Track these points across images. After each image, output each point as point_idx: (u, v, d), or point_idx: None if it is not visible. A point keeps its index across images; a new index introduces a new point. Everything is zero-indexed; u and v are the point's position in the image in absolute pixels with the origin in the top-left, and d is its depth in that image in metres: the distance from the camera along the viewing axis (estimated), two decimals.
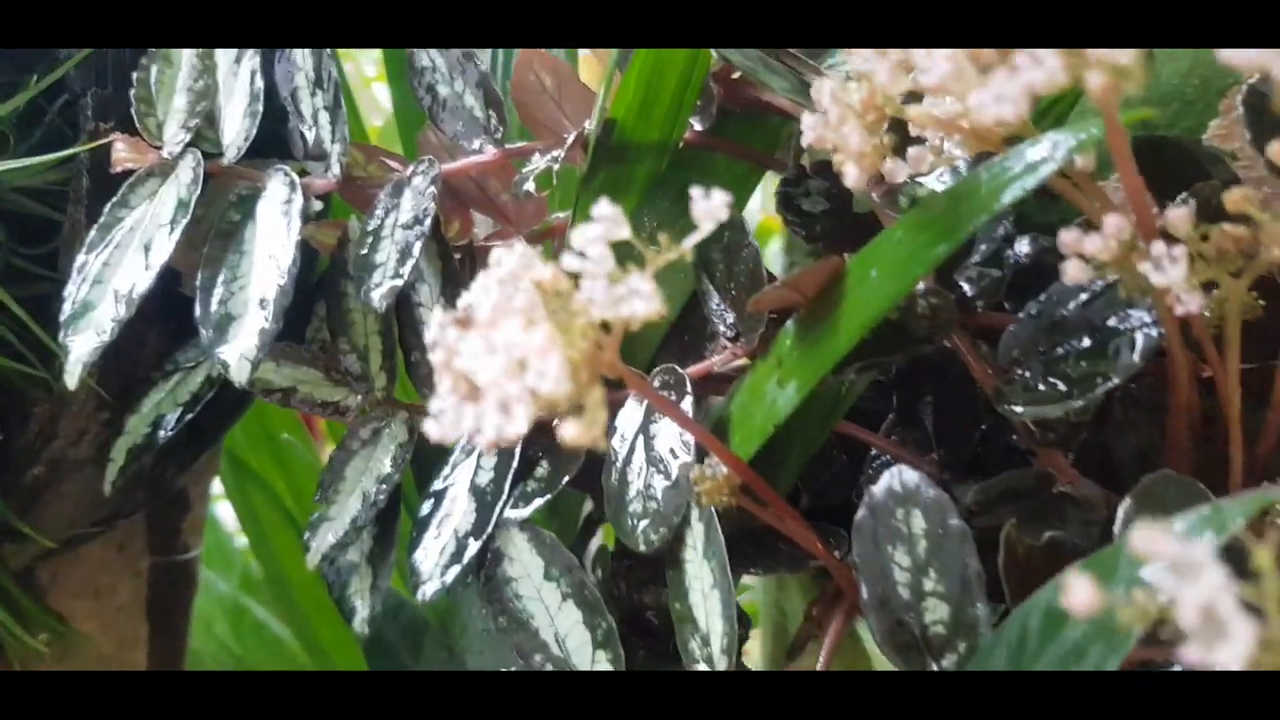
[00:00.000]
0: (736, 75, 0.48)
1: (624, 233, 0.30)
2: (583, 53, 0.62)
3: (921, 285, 0.39)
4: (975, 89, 0.25)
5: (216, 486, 0.69)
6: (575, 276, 0.29)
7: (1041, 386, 0.37)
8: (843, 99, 0.33)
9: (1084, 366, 0.36)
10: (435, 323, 0.31)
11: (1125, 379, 0.35)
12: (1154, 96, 0.43)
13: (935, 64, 0.25)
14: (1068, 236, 0.32)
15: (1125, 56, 0.23)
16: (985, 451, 0.45)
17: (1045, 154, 0.31)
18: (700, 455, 0.43)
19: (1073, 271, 0.31)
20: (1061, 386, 0.37)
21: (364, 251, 0.45)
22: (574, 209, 0.47)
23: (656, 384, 0.44)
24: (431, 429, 0.28)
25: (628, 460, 0.43)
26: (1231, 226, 0.30)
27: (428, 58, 0.47)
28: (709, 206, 0.29)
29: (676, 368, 0.44)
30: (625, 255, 0.31)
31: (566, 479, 0.45)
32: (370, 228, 0.45)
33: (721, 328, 0.44)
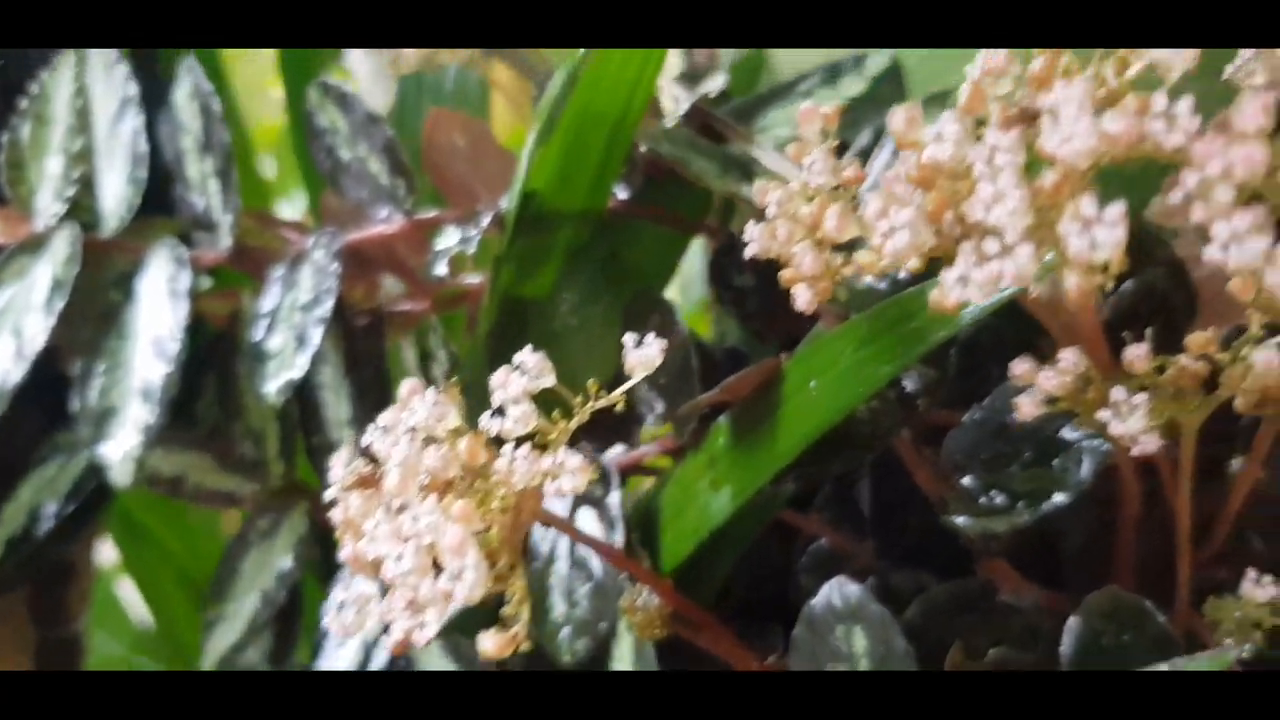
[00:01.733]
0: None
1: (549, 382, 0.27)
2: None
3: None
4: (929, 256, 0.23)
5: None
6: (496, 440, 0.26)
7: (984, 500, 0.35)
8: (790, 211, 0.30)
9: (1030, 479, 0.35)
10: (336, 471, 0.28)
11: (1074, 497, 0.34)
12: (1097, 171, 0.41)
13: (893, 238, 0.23)
14: (1020, 368, 0.30)
15: (1103, 252, 0.21)
16: (923, 535, 0.43)
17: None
18: (629, 550, 0.40)
19: (1026, 408, 0.29)
20: (1007, 500, 0.35)
21: (258, 337, 0.41)
22: (491, 282, 0.44)
23: None
24: (333, 624, 0.25)
25: (549, 560, 0.41)
26: (1190, 362, 0.29)
27: (328, 119, 0.43)
28: (642, 355, 0.27)
29: (601, 458, 0.42)
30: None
31: None
32: (265, 308, 0.42)
33: (650, 418, 0.42)
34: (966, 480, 0.36)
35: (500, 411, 0.26)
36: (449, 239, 0.42)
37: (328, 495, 0.27)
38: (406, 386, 0.29)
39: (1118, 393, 0.28)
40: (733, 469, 0.37)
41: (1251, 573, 0.33)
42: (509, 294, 0.45)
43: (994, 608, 0.37)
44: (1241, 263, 0.20)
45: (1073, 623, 0.34)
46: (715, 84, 0.43)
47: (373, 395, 0.44)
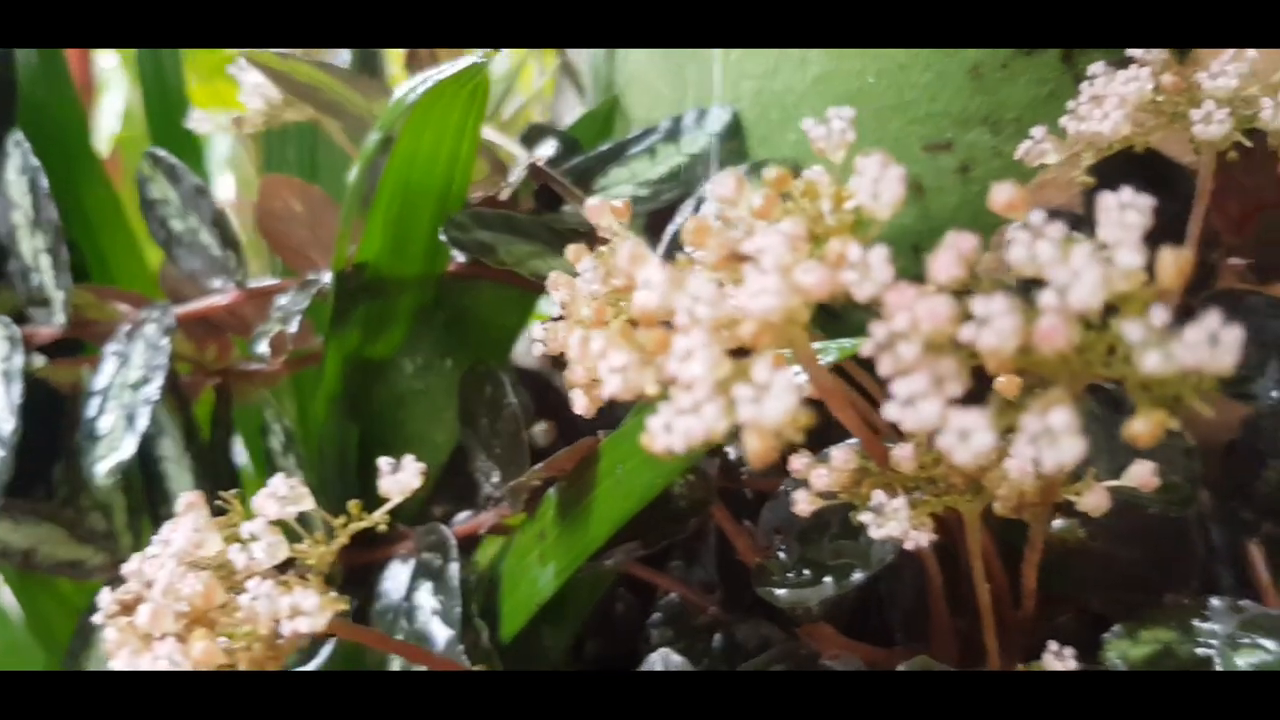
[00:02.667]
0: (502, 198, 0.45)
1: (307, 506, 0.27)
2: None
3: None
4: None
5: None
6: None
7: (791, 575, 0.35)
8: (574, 312, 0.30)
9: (837, 553, 0.35)
10: (104, 596, 0.28)
11: (875, 572, 0.34)
12: (924, 228, 0.41)
13: (608, 379, 0.23)
14: (797, 464, 0.30)
15: (771, 421, 0.21)
16: None
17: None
18: (466, 622, 0.40)
19: (801, 504, 0.30)
20: (814, 574, 0.35)
21: (90, 415, 0.41)
22: (325, 353, 0.44)
23: (423, 545, 0.42)
24: None
25: (390, 630, 0.41)
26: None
27: (159, 190, 0.43)
28: (397, 481, 0.27)
29: (442, 528, 0.42)
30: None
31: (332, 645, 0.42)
32: (98, 386, 0.41)
33: (487, 486, 0.42)
34: (781, 551, 0.36)
35: (249, 542, 0.26)
36: (280, 310, 0.42)
37: (95, 619, 0.27)
38: (184, 500, 0.29)
39: (878, 496, 0.28)
40: (557, 545, 0.38)
41: (1053, 645, 0.34)
42: (355, 357, 0.45)
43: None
44: (916, 425, 0.20)
45: None
46: (546, 150, 0.43)
47: (217, 465, 0.44)
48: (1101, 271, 0.19)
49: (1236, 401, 0.37)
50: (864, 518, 0.28)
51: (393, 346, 0.44)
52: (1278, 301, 0.37)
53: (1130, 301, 0.20)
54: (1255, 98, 0.30)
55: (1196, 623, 0.37)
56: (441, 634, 0.40)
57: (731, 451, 0.39)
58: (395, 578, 0.41)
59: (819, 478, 0.29)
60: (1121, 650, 0.37)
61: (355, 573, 0.44)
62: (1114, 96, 0.32)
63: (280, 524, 0.28)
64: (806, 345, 0.25)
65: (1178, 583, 0.39)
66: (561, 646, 0.42)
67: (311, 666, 0.43)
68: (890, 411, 0.20)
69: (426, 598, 0.40)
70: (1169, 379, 0.20)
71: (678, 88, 0.47)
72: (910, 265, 0.42)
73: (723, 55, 0.45)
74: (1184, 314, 0.38)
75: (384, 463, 0.27)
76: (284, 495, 0.27)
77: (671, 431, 0.22)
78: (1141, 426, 0.19)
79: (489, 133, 0.44)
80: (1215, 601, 0.38)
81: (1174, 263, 0.19)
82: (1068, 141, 0.34)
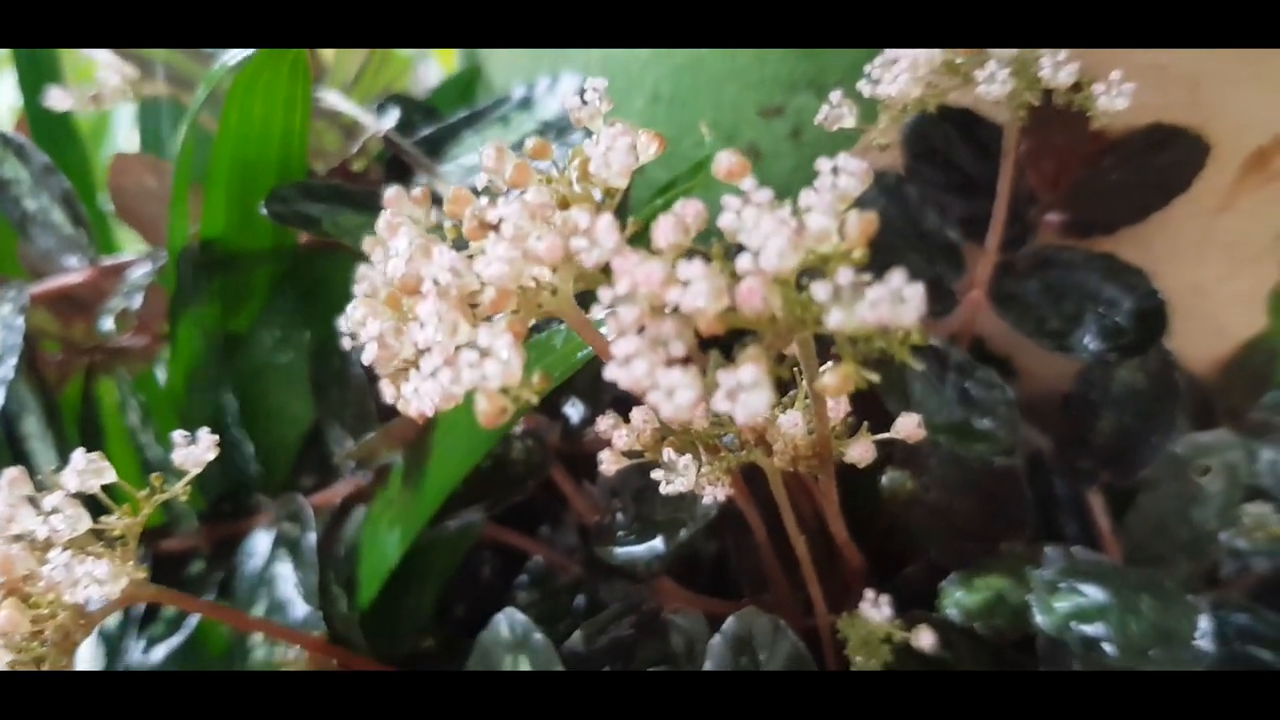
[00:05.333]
0: (356, 169, 0.45)
1: (108, 479, 0.28)
2: None
3: (520, 426, 0.38)
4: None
5: None
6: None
7: (622, 532, 0.36)
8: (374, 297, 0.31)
9: (666, 510, 0.36)
10: None
11: (703, 525, 0.35)
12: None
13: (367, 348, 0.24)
14: (603, 424, 0.31)
15: (493, 381, 0.21)
16: None
17: None
18: (323, 590, 0.41)
19: (605, 464, 0.31)
20: (648, 530, 0.36)
21: None
22: (174, 327, 0.44)
23: (282, 515, 0.43)
24: None
25: (250, 601, 0.41)
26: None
27: (11, 169, 0.43)
28: (190, 454, 0.28)
29: (299, 498, 0.42)
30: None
31: (196, 619, 0.43)
32: None
33: (338, 452, 0.43)
34: (619, 511, 0.37)
35: (55, 512, 0.27)
36: (126, 286, 0.42)
37: None
38: (5, 476, 0.30)
39: (668, 453, 0.29)
40: (401, 511, 0.38)
41: (869, 593, 0.35)
42: (214, 331, 0.45)
43: (655, 625, 0.39)
44: (630, 384, 0.21)
45: (714, 644, 0.36)
46: (389, 120, 0.43)
47: (87, 442, 0.45)
48: (788, 236, 0.20)
49: (1059, 354, 0.39)
50: (655, 474, 0.29)
51: (250, 319, 0.45)
52: (1093, 255, 0.38)
53: (830, 263, 0.21)
54: (1036, 57, 0.31)
55: (1030, 570, 0.38)
56: (300, 605, 0.41)
57: (572, 416, 0.40)
58: (256, 549, 0.42)
59: (620, 438, 0.30)
60: (956, 598, 0.38)
61: (222, 546, 0.45)
62: (906, 59, 0.33)
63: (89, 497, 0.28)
64: (575, 311, 0.26)
65: (1011, 531, 0.41)
66: (425, 610, 0.43)
67: (176, 640, 0.43)
68: (609, 371, 0.21)
69: (285, 568, 0.41)
70: (872, 334, 0.21)
71: (534, 55, 0.48)
72: None
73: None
74: (1001, 271, 0.40)
75: (178, 435, 0.28)
76: (83, 469, 0.27)
77: (419, 396, 0.23)
78: (829, 379, 0.20)
79: (342, 104, 0.45)
80: (1050, 550, 0.40)
81: (859, 224, 0.20)
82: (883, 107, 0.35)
